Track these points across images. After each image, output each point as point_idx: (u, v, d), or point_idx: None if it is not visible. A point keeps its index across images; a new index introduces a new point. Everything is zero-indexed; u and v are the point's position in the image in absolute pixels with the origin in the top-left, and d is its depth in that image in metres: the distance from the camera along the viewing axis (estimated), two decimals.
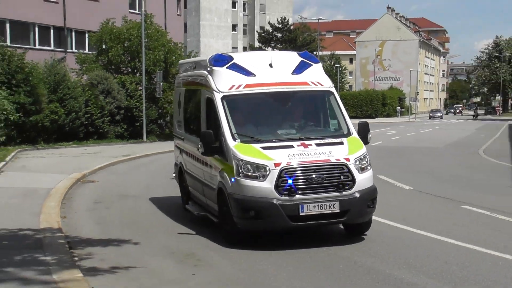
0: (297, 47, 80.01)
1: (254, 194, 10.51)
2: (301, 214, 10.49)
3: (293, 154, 10.70)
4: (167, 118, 39.78)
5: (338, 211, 10.63)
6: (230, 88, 11.69)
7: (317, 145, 11.10)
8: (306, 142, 11.12)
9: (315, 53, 60.66)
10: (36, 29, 42.55)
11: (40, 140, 31.30)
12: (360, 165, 10.96)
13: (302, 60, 12.43)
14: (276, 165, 10.49)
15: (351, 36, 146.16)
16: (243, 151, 10.84)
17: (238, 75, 11.86)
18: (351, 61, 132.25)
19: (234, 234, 11.04)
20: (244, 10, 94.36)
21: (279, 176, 10.44)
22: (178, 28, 56.10)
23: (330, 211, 10.60)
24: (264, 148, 10.89)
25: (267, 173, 10.49)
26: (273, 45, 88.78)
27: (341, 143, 11.33)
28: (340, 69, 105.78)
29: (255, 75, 11.89)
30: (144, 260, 10.15)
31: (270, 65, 12.18)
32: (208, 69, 12.19)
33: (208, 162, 12.11)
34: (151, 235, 12.22)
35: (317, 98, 12.57)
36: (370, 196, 11.07)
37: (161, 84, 37.13)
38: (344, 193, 10.64)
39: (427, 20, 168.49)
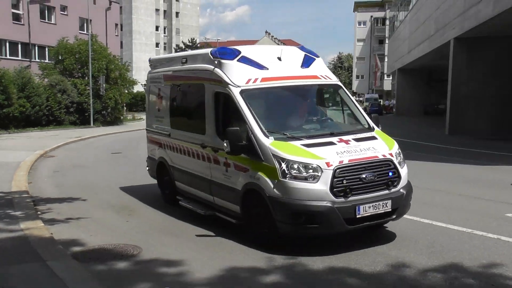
0: None
1: (307, 197, 6.88)
2: (357, 216, 7.01)
3: (341, 152, 7.17)
4: (109, 110, 38.53)
5: (390, 209, 7.29)
6: (247, 82, 7.96)
7: (356, 140, 7.59)
8: (344, 138, 7.58)
9: None
10: (7, 44, 40.25)
11: (11, 126, 29.80)
12: (399, 160, 7.63)
13: (305, 54, 8.90)
14: (328, 164, 6.94)
15: None
16: (284, 149, 7.13)
17: (251, 68, 8.17)
18: None
19: (273, 239, 7.25)
20: (164, 33, 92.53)
21: (334, 176, 6.90)
22: (116, 45, 54.38)
23: (383, 211, 7.23)
24: (305, 145, 7.26)
25: (319, 173, 6.90)
26: None
27: (375, 137, 7.90)
28: None
29: (267, 69, 8.24)
30: (90, 212, 9.83)
31: (279, 59, 8.53)
32: (216, 62, 8.32)
33: (220, 160, 8.11)
34: (96, 193, 11.83)
35: (330, 91, 9.23)
36: (410, 192, 7.74)
37: (104, 85, 36.49)
38: (393, 190, 7.34)
39: (293, 41, 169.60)
